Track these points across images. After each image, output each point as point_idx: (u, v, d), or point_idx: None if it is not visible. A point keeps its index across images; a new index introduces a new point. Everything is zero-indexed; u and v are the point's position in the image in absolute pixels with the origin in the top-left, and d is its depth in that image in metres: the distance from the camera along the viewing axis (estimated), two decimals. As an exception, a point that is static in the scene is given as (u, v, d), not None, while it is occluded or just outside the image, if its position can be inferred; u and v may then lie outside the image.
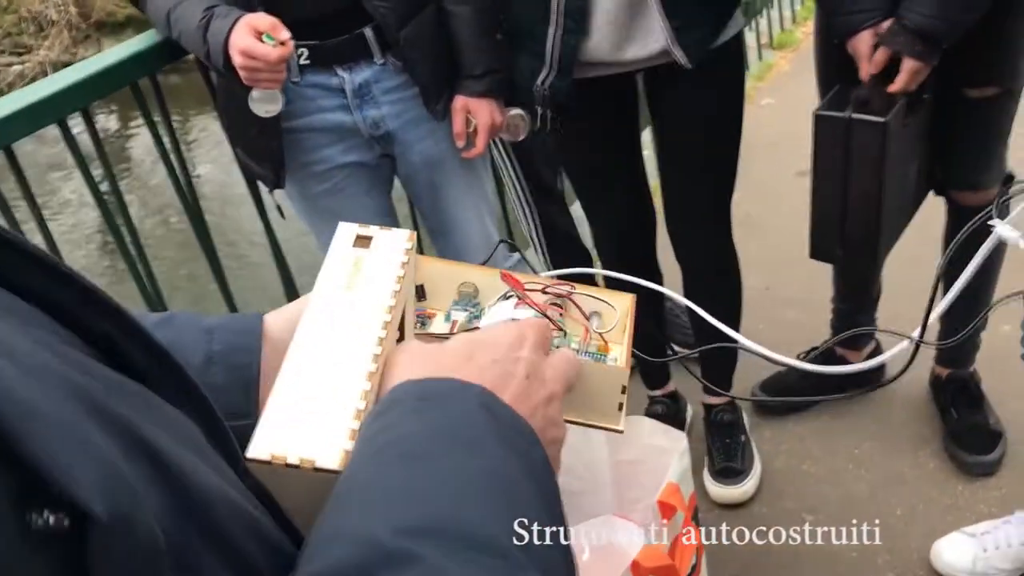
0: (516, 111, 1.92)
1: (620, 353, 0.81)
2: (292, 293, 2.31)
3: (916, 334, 0.91)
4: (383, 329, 0.61)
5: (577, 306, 0.83)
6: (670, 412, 2.39)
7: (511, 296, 0.80)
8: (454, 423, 0.50)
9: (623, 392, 0.73)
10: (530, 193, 2.51)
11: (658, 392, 2.42)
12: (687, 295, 2.20)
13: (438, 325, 0.79)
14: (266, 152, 1.83)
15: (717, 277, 2.17)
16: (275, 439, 0.54)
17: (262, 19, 1.61)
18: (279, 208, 2.02)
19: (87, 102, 1.78)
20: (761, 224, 3.19)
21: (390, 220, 2.05)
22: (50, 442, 0.31)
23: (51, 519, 0.30)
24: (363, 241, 0.68)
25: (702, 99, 1.88)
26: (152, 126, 1.98)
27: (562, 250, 2.65)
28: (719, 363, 2.28)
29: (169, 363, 0.48)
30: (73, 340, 0.43)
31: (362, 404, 0.56)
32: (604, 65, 1.79)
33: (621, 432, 0.73)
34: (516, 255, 2.31)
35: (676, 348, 2.56)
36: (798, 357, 2.49)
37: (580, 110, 1.85)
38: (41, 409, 0.32)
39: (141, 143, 7.43)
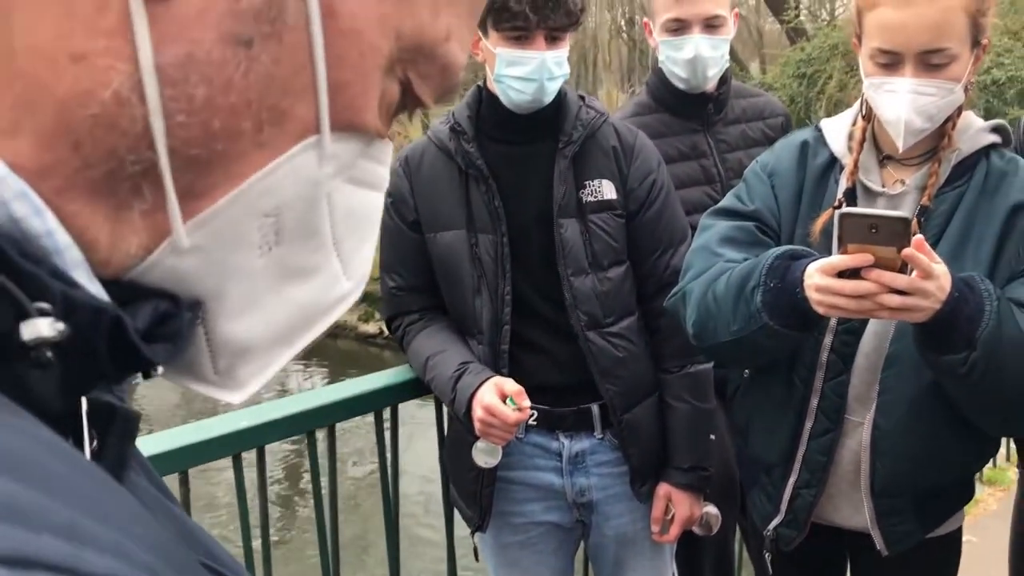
0: (712, 508, 2.00)
1: None
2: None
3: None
4: None
5: None
6: None
7: None
8: None
9: None
10: None
11: None
12: None
13: None
14: (477, 497, 1.98)
15: None
16: None
17: (511, 385, 1.80)
18: (475, 550, 2.13)
19: (330, 422, 2.01)
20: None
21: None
22: None
23: None
24: None
25: None
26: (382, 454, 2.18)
27: None
28: None
29: None
30: None
31: None
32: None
33: None
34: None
35: None
36: None
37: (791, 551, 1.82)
38: None
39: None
